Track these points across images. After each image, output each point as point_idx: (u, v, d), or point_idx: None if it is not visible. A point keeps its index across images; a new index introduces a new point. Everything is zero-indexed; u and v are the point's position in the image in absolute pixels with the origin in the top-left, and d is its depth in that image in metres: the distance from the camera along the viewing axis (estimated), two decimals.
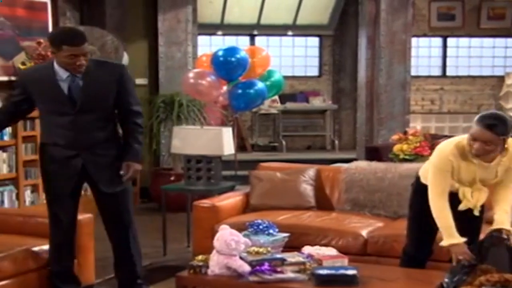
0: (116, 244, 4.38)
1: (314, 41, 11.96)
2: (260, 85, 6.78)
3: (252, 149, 11.02)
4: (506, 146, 3.75)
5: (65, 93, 4.11)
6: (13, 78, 7.19)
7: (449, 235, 3.76)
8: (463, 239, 3.75)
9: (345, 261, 3.89)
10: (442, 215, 3.80)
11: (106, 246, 4.49)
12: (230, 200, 5.44)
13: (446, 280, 3.54)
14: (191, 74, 6.89)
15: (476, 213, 3.90)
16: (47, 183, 4.28)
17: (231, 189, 5.95)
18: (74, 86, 4.11)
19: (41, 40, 7.28)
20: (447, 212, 3.80)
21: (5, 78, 7.14)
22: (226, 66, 6.65)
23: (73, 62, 4.02)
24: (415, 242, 4.14)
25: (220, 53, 6.71)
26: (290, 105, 11.21)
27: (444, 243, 3.79)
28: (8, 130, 6.65)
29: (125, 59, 8.15)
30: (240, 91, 6.72)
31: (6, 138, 6.64)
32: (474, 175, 3.83)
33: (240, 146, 9.79)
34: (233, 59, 6.66)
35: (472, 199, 3.87)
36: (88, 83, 4.11)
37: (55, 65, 4.10)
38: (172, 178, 7.80)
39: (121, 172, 4.15)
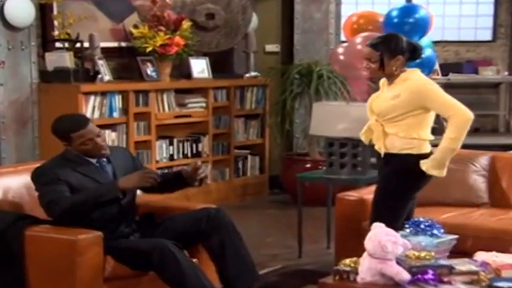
0: None
1: None
2: (428, 52, 6.61)
3: None
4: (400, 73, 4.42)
5: None
6: (123, 44, 7.42)
7: None
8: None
9: None
10: None
11: None
12: None
13: None
14: (358, 39, 6.75)
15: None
16: None
17: None
18: None
19: None
20: None
21: (114, 44, 7.35)
22: (401, 28, 6.50)
23: None
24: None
25: (394, 13, 6.73)
26: (454, 77, 10.96)
27: None
28: (119, 105, 6.86)
29: (254, 21, 8.24)
30: None
31: (115, 115, 6.85)
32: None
33: None
34: (410, 20, 6.60)
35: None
36: None
37: None
38: (308, 166, 7.87)
39: None
